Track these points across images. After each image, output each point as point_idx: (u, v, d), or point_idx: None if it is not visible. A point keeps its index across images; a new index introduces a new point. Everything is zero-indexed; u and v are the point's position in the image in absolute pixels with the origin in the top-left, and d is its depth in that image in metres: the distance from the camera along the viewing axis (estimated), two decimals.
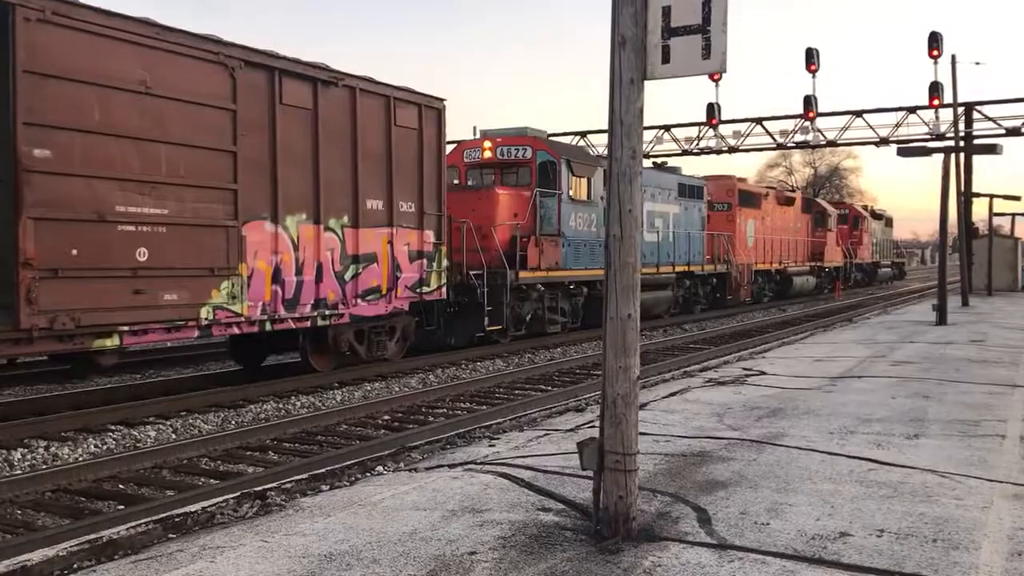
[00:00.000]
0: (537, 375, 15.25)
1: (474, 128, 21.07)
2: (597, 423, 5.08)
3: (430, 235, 15.65)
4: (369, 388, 13.77)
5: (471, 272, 17.28)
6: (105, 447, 9.70)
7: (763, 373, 11.75)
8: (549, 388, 13.91)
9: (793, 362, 13.10)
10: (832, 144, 37.56)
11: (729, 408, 9.00)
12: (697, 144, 37.66)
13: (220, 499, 5.89)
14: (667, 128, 38.24)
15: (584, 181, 20.89)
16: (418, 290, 15.42)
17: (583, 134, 38.91)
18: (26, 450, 9.33)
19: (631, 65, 4.66)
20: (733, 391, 10.21)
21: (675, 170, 28.64)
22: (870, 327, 19.97)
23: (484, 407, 12.23)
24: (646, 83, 4.72)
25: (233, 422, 11.14)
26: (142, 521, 5.40)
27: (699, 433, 7.68)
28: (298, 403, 12.44)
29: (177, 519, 5.40)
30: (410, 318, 15.77)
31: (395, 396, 12.79)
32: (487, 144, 20.33)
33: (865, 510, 5.29)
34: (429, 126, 15.50)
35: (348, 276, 13.86)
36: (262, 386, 12.98)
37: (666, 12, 4.61)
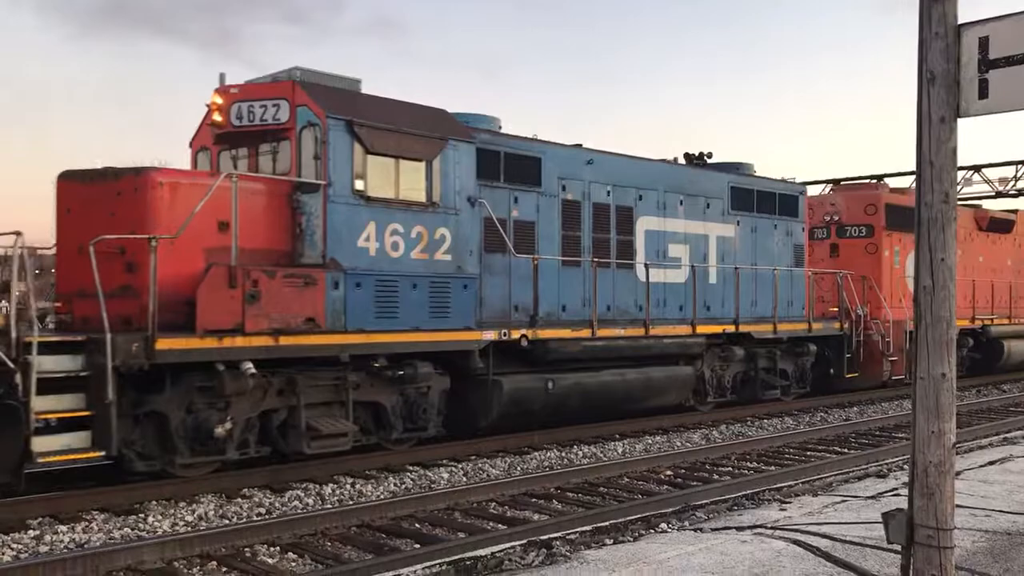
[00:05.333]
0: (831, 435, 14.33)
1: (221, 76, 11.37)
2: (901, 491, 4.65)
3: None
4: (650, 441, 13.61)
5: (25, 341, 8.39)
6: (403, 486, 10.30)
7: None
8: (845, 451, 13.01)
9: None
10: None
11: None
12: (1014, 185, 34.19)
13: (508, 545, 6.04)
14: (977, 168, 35.11)
15: (409, 167, 11.44)
16: None
17: (879, 178, 36.68)
18: (335, 486, 10.13)
19: (941, 102, 4.29)
20: None
21: (736, 168, 17.61)
22: None
23: (773, 468, 11.65)
24: (958, 121, 4.32)
25: (519, 468, 11.44)
26: (436, 562, 5.65)
27: None
28: (580, 452, 12.55)
29: (468, 562, 5.59)
30: None
31: (677, 451, 12.53)
32: (217, 100, 11.26)
33: None
34: None
35: None
36: (545, 434, 13.25)
37: (983, 43, 4.20)
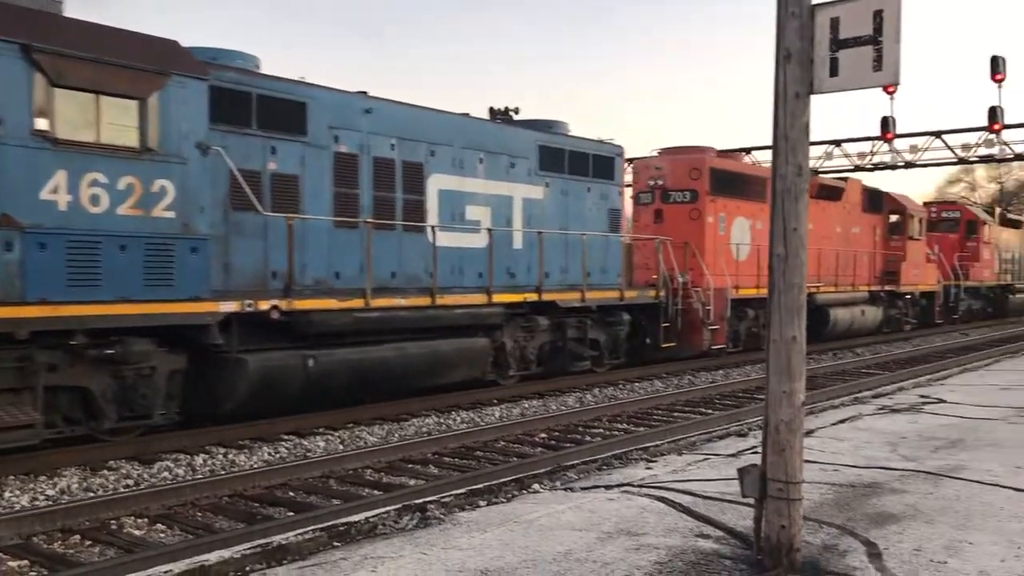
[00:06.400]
0: (697, 397, 14.92)
1: None
2: (760, 449, 4.92)
3: None
4: (527, 405, 13.86)
5: None
6: (278, 456, 10.19)
7: (942, 401, 11.05)
8: (709, 411, 13.57)
9: (975, 390, 12.25)
10: (1020, 158, 35.08)
11: (903, 437, 8.51)
12: (870, 160, 36.07)
13: (383, 510, 6.08)
14: (837, 143, 36.85)
15: (114, 105, 9.43)
16: None
17: (748, 150, 37.99)
18: (207, 456, 9.93)
19: (796, 79, 4.51)
20: (908, 419, 9.66)
21: (547, 125, 16.37)
22: None
23: (642, 429, 12.07)
24: (812, 97, 4.56)
25: (396, 435, 11.47)
26: (310, 528, 5.64)
27: (870, 463, 7.30)
28: (458, 418, 12.68)
29: (342, 528, 5.61)
30: None
31: (552, 414, 12.82)
32: None
33: None
34: None
35: None
36: (424, 401, 13.31)
37: (834, 23, 4.44)
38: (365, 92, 13.04)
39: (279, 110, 11.61)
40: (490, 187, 14.73)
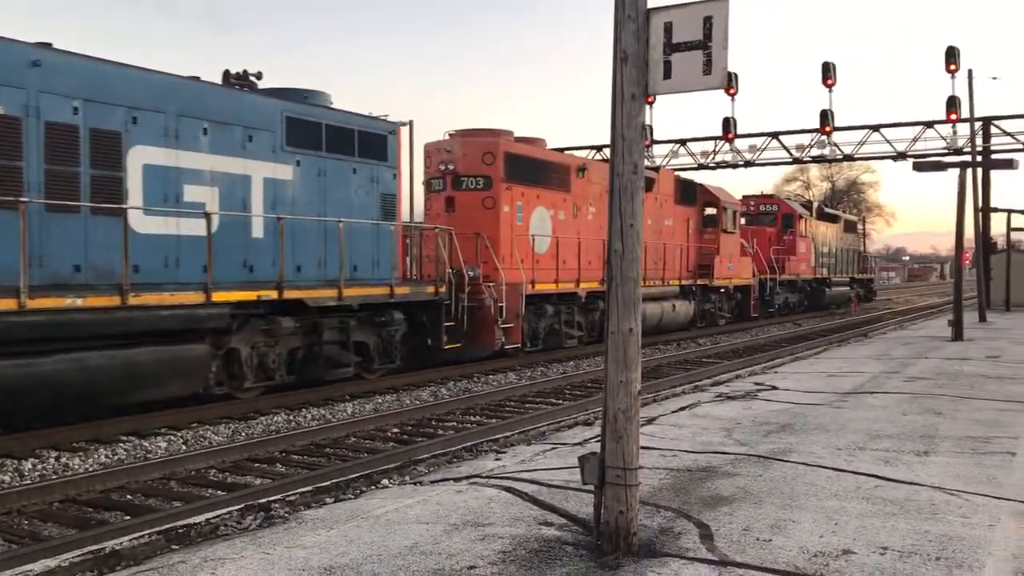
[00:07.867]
0: (549, 388, 15.21)
1: None
2: None
3: None
4: (380, 401, 13.78)
5: None
6: (116, 458, 9.75)
7: (774, 388, 11.69)
8: (559, 402, 13.87)
9: (805, 377, 13.02)
10: (849, 158, 37.32)
11: (738, 423, 8.95)
12: (713, 158, 37.60)
13: (224, 511, 5.93)
14: (683, 142, 38.21)
15: None
16: None
17: (599, 148, 38.94)
18: (37, 460, 9.40)
19: (633, 80, 4.67)
20: (743, 406, 10.16)
21: (300, 95, 14.24)
22: (885, 342, 19.82)
23: (493, 420, 12.22)
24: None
25: (243, 434, 11.18)
26: (146, 532, 5.45)
27: (706, 448, 7.64)
28: (308, 415, 12.47)
29: (181, 530, 5.44)
30: None
31: (405, 409, 12.79)
32: None
33: (870, 527, 5.25)
34: None
35: None
36: (274, 398, 13.02)
37: (668, 28, 4.62)
38: (49, 44, 10.70)
39: None
40: (218, 163, 12.36)
